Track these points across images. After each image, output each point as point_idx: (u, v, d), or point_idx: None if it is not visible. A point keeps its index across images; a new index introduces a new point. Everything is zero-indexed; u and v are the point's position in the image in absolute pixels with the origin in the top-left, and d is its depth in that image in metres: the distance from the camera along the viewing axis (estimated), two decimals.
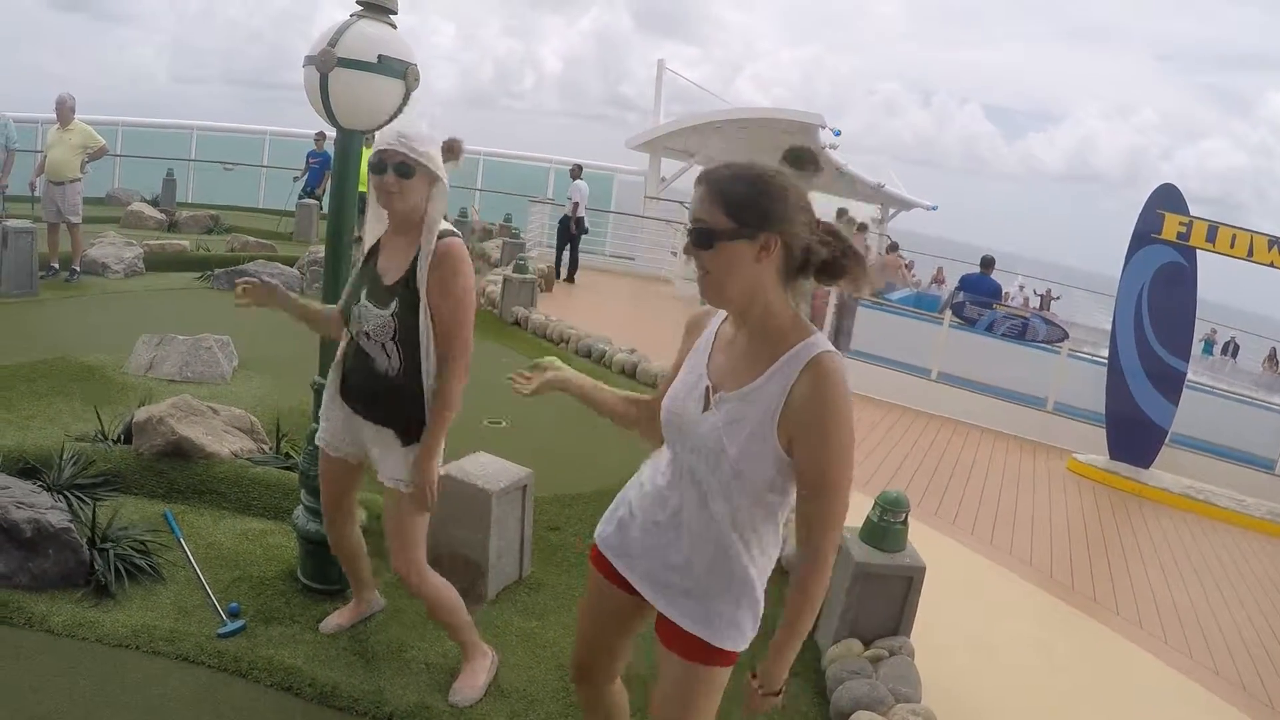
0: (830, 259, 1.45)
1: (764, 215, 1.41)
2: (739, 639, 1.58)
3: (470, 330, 2.30)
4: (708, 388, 1.53)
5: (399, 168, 2.19)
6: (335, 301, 2.75)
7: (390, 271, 2.29)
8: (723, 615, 1.55)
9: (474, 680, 2.55)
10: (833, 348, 1.46)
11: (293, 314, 2.47)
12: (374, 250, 2.37)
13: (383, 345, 2.28)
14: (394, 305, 2.25)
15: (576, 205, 12.13)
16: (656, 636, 1.66)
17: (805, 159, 1.63)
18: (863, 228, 11.20)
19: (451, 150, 2.32)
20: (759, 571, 1.57)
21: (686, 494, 1.55)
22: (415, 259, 2.24)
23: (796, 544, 1.54)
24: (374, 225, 2.37)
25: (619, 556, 1.69)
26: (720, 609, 1.55)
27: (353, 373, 2.39)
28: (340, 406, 2.45)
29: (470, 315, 2.29)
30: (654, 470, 1.67)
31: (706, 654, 1.58)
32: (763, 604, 1.60)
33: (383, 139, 2.23)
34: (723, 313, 1.61)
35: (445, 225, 2.28)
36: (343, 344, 2.46)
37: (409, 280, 2.24)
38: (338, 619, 2.75)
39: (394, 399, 2.31)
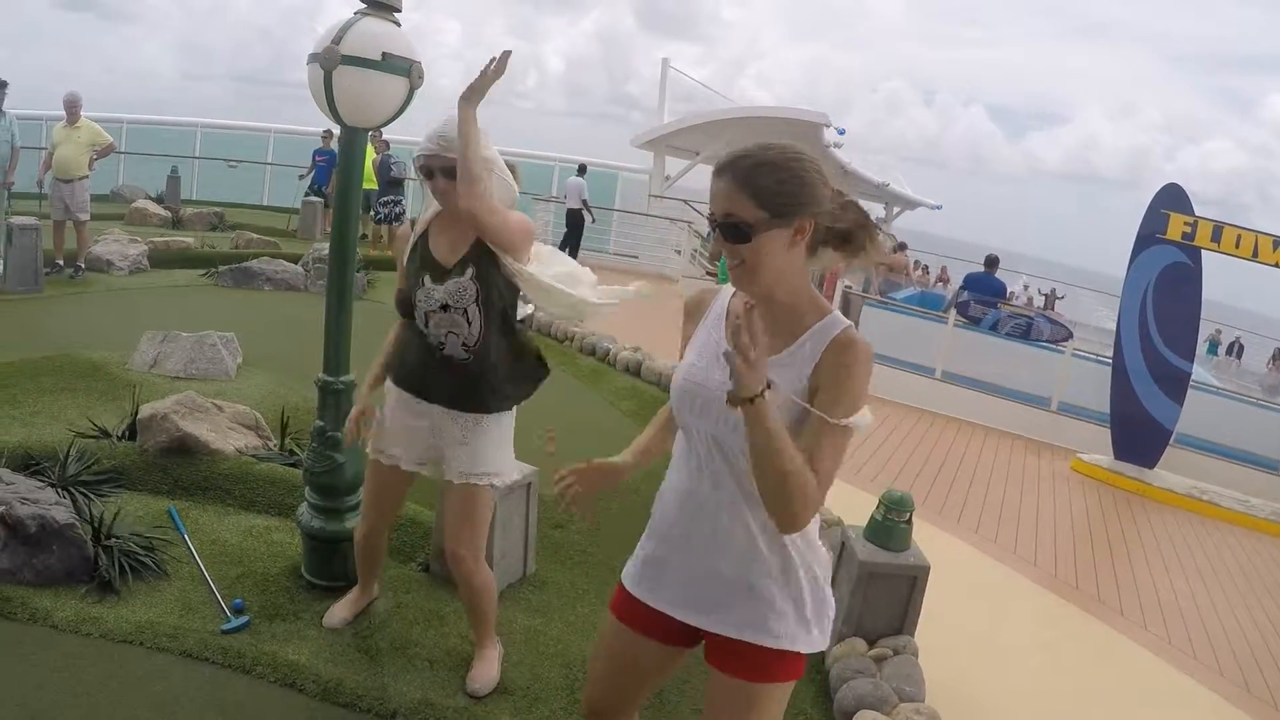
0: (849, 230, 1.45)
1: (796, 201, 1.39)
2: (799, 637, 1.49)
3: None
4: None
5: (446, 171, 2.17)
6: (341, 298, 2.74)
7: (455, 248, 2.26)
8: (774, 610, 1.48)
9: (490, 670, 2.56)
10: (852, 325, 1.46)
11: None
12: (425, 233, 2.34)
13: (465, 311, 2.23)
14: (470, 270, 2.22)
15: (567, 199, 13.63)
16: (710, 667, 1.57)
17: None
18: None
19: (511, 170, 2.32)
20: (802, 555, 1.50)
21: (717, 474, 1.48)
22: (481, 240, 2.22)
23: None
24: (431, 209, 2.36)
25: (652, 593, 1.59)
26: (770, 600, 1.48)
27: (422, 364, 2.34)
28: (405, 408, 2.40)
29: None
30: (671, 477, 1.59)
31: (765, 667, 1.50)
32: (829, 601, 1.53)
33: (422, 144, 2.20)
34: (728, 291, 1.58)
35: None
36: (392, 338, 2.45)
37: (480, 248, 2.22)
38: (342, 612, 2.75)
39: (474, 374, 2.28)
